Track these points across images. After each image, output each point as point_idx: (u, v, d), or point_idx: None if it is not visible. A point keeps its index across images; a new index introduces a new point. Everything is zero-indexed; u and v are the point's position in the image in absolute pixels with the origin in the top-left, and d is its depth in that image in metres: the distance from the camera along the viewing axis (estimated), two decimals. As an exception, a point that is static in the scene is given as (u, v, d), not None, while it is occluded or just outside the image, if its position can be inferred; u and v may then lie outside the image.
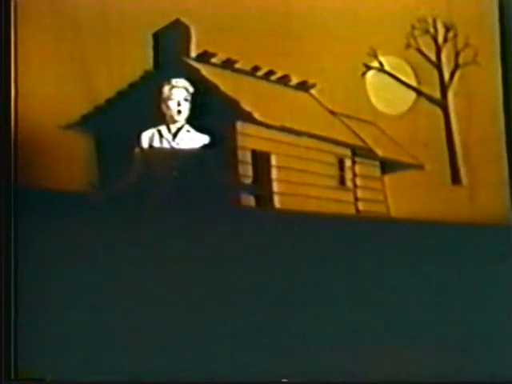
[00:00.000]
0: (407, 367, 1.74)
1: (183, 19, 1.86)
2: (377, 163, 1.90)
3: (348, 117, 1.87)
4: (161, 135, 1.84)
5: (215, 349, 1.76)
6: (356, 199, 1.89)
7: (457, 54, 1.86)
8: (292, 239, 1.80)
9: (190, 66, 1.86)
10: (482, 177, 1.86)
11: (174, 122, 1.84)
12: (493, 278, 1.78)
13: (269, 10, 1.86)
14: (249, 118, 1.84)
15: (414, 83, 1.88)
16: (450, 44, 1.87)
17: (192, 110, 1.84)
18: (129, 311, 1.77)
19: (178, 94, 1.83)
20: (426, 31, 1.87)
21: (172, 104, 1.84)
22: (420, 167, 1.86)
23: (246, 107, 1.84)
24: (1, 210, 1.80)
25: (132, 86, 1.86)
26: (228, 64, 1.86)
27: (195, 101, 1.84)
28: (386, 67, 1.88)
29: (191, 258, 1.78)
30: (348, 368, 1.75)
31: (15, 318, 1.78)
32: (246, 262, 1.79)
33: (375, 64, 1.88)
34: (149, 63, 1.86)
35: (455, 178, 1.86)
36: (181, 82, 1.84)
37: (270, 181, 1.85)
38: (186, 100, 1.83)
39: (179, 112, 1.84)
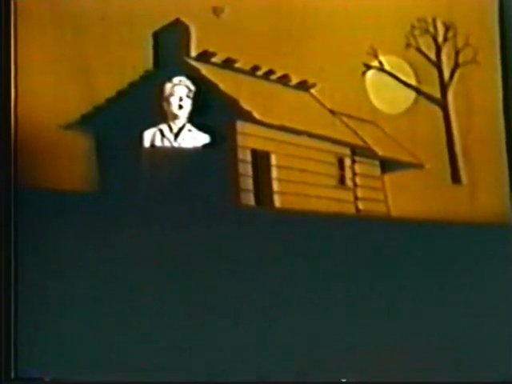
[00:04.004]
0: (407, 367, 1.74)
1: (183, 19, 1.86)
2: (377, 162, 1.90)
3: (348, 116, 1.87)
4: (162, 134, 1.85)
5: (215, 348, 1.76)
6: (356, 198, 1.89)
7: (457, 54, 1.87)
8: (292, 239, 1.80)
9: (190, 65, 1.86)
10: (481, 176, 1.86)
11: (175, 118, 1.85)
12: (493, 277, 1.78)
13: (269, 10, 1.86)
14: (249, 117, 1.84)
15: (413, 82, 1.88)
16: (449, 43, 1.87)
17: (193, 107, 1.84)
18: (129, 311, 1.77)
19: (180, 91, 1.84)
20: (426, 31, 1.87)
21: (174, 100, 1.84)
22: (420, 166, 1.86)
23: (246, 106, 1.85)
24: (1, 210, 1.80)
25: (132, 85, 1.86)
26: (228, 63, 1.86)
27: (197, 99, 1.84)
28: (386, 66, 1.88)
29: (192, 258, 1.78)
30: (347, 367, 1.75)
31: (15, 318, 1.78)
32: (246, 262, 1.79)
33: (375, 63, 1.88)
34: (149, 63, 1.87)
35: (455, 177, 1.86)
36: (183, 80, 1.84)
37: (270, 180, 1.85)
38: (187, 97, 1.84)
39: (181, 107, 1.84)
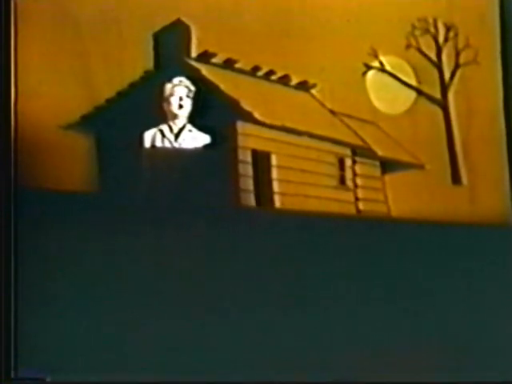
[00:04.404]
0: (407, 367, 1.74)
1: (184, 19, 1.86)
2: (377, 163, 1.90)
3: (348, 116, 1.87)
4: (163, 135, 1.85)
5: (215, 349, 1.76)
6: (356, 199, 1.89)
7: (457, 54, 1.86)
8: (292, 239, 1.80)
9: (191, 65, 1.86)
10: (481, 176, 1.86)
11: (175, 117, 1.85)
12: (493, 277, 1.78)
13: (269, 10, 1.86)
14: (249, 117, 1.84)
15: (414, 83, 1.88)
16: (450, 44, 1.87)
17: (194, 107, 1.84)
18: (129, 311, 1.77)
19: (181, 91, 1.84)
20: (427, 31, 1.87)
21: (174, 99, 1.84)
22: (420, 167, 1.86)
23: (247, 107, 1.84)
24: (1, 210, 1.80)
25: (132, 86, 1.86)
26: (228, 64, 1.86)
27: (197, 99, 1.84)
28: (387, 67, 1.88)
29: (192, 258, 1.78)
30: (347, 368, 1.75)
31: (15, 318, 1.77)
32: (246, 262, 1.79)
33: (376, 64, 1.88)
34: (149, 63, 1.87)
35: (455, 178, 1.86)
36: (183, 81, 1.84)
37: (270, 180, 1.85)
38: (188, 97, 1.84)
39: (181, 106, 1.84)
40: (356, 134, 1.89)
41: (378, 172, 1.90)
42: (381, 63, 1.88)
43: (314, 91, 1.88)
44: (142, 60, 1.86)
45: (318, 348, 1.76)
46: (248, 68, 1.87)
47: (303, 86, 1.88)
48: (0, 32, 1.84)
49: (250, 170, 1.85)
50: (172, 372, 1.74)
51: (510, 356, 1.75)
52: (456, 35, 1.87)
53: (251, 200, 1.84)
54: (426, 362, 1.75)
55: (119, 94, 1.86)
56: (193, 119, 1.85)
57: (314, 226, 1.81)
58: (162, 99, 1.85)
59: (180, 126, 1.85)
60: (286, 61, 1.87)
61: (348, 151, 1.91)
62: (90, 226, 1.79)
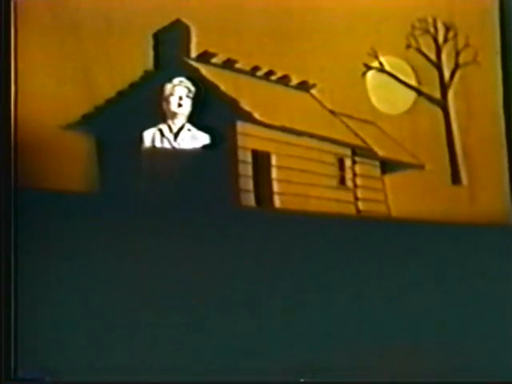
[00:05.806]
0: (407, 367, 1.74)
1: (183, 19, 1.86)
2: (377, 163, 1.90)
3: (348, 117, 1.87)
4: (162, 134, 1.85)
5: (215, 349, 1.76)
6: (356, 199, 1.89)
7: (457, 54, 1.87)
8: (292, 239, 1.80)
9: (190, 66, 1.86)
10: (481, 177, 1.86)
11: (174, 117, 1.85)
12: (493, 277, 1.78)
13: (269, 10, 1.86)
14: (249, 117, 1.84)
15: (414, 83, 1.88)
16: (450, 44, 1.87)
17: (193, 107, 1.84)
18: (129, 311, 1.77)
19: (180, 91, 1.84)
20: (427, 31, 1.87)
21: (173, 99, 1.84)
22: (420, 167, 1.86)
23: (246, 107, 1.85)
24: (1, 210, 1.80)
25: (132, 86, 1.86)
26: (228, 64, 1.86)
27: (197, 99, 1.84)
28: (387, 67, 1.88)
29: (191, 258, 1.79)
30: (347, 368, 1.75)
31: (15, 319, 1.78)
32: (247, 262, 1.79)
33: (375, 64, 1.88)
34: (149, 63, 1.87)
35: (455, 178, 1.86)
36: (183, 81, 1.84)
37: (270, 180, 1.85)
38: (187, 97, 1.84)
39: (180, 105, 1.84)
40: (356, 134, 1.89)
41: (377, 172, 1.90)
42: (380, 63, 1.88)
43: (313, 91, 1.88)
44: (142, 60, 1.86)
45: (318, 347, 1.76)
46: (248, 68, 1.87)
47: (303, 86, 1.88)
48: (0, 32, 1.84)
49: (249, 170, 1.85)
50: (172, 372, 1.74)
51: (510, 356, 1.75)
52: (456, 35, 1.87)
53: (251, 200, 1.84)
54: (426, 362, 1.75)
55: (119, 93, 1.86)
56: (192, 119, 1.85)
57: (313, 226, 1.81)
58: (161, 99, 1.85)
59: (179, 125, 1.85)
60: (285, 61, 1.87)
61: (348, 151, 1.91)
62: (89, 225, 1.79)
